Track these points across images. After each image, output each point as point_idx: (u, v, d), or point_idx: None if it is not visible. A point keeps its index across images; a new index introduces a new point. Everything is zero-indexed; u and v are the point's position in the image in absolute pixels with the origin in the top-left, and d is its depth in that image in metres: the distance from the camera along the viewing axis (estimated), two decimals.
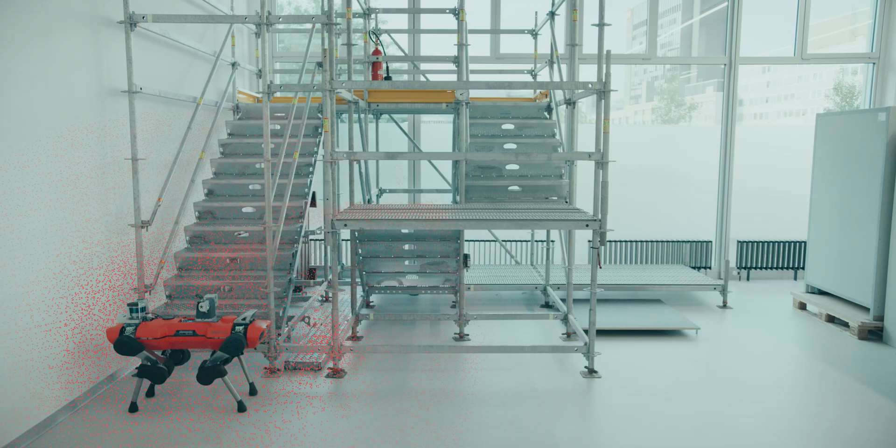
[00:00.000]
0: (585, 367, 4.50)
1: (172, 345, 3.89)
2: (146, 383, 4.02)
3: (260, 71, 6.65)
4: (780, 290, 7.04)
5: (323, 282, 6.61)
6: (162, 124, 4.92)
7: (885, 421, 3.75)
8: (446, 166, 6.92)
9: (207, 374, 3.81)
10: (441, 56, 6.39)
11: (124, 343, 3.76)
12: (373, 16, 6.50)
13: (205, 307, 3.90)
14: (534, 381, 4.33)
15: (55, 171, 3.72)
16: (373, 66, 6.08)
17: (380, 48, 6.21)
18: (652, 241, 7.52)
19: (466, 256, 5.19)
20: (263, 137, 4.39)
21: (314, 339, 5.06)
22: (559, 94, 5.84)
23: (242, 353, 3.91)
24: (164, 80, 4.96)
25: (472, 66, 6.60)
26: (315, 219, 6.87)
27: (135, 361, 4.49)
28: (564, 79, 6.27)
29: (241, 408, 3.85)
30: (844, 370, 4.57)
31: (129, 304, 3.94)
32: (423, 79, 7.06)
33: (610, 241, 7.46)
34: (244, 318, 3.92)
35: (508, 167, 5.59)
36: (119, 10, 4.32)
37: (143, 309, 3.94)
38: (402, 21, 7.33)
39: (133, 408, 3.83)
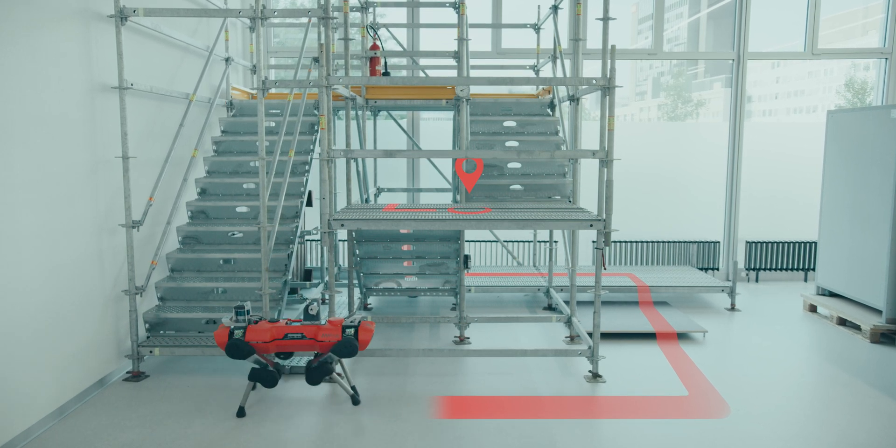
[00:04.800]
0: (589, 371, 4.43)
1: (280, 348, 3.82)
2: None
3: (254, 66, 6.54)
4: (790, 291, 6.94)
5: (319, 283, 6.51)
6: (153, 121, 4.82)
7: None
8: (446, 165, 6.84)
9: (315, 375, 3.81)
10: (441, 51, 6.30)
11: (235, 346, 3.70)
12: (370, 10, 6.41)
13: (314, 310, 3.87)
14: (536, 386, 4.25)
15: (43, 170, 3.63)
16: (371, 62, 5.98)
17: (378, 43, 6.11)
18: (658, 242, 7.41)
19: (467, 257, 5.10)
20: (258, 135, 4.32)
21: None
22: (562, 91, 5.76)
23: (354, 356, 3.85)
24: (155, 75, 4.86)
25: (472, 62, 6.51)
26: (311, 219, 6.79)
27: (126, 365, 4.41)
28: (568, 74, 6.16)
29: (356, 401, 3.86)
30: (856, 374, 4.48)
31: (235, 307, 3.87)
32: (422, 74, 6.98)
33: (614, 242, 7.36)
34: (352, 321, 3.88)
35: (510, 165, 5.49)
36: (109, 4, 4.22)
37: (249, 311, 3.87)
38: (400, 15, 7.23)
39: (241, 412, 3.75)
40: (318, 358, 3.85)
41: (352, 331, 3.81)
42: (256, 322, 3.83)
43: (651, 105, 8.50)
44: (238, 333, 3.73)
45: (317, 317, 3.89)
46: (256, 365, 3.82)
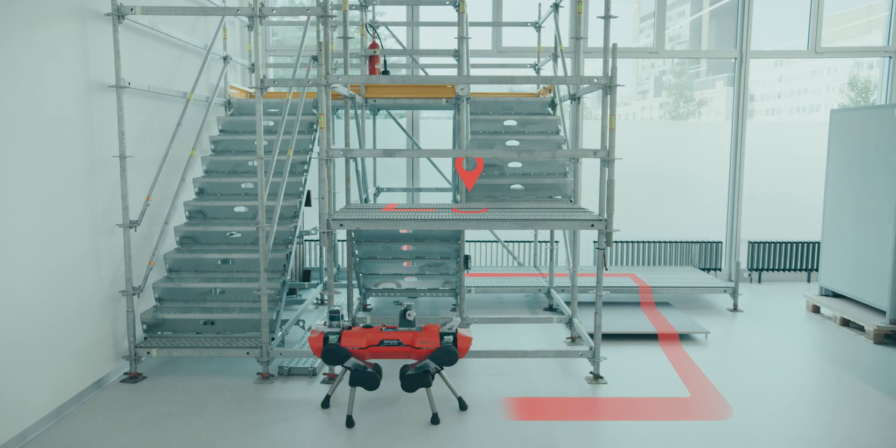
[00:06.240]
0: (591, 372, 4.40)
1: (376, 354, 3.77)
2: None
3: (253, 65, 6.51)
4: (793, 292, 6.90)
5: (318, 284, 6.48)
6: (151, 120, 4.79)
7: None
8: (446, 164, 6.80)
9: (411, 382, 3.71)
10: (441, 50, 6.27)
11: (332, 352, 3.66)
12: (370, 8, 6.36)
13: (411, 315, 3.82)
14: (537, 387, 4.22)
15: (40, 169, 3.60)
16: (370, 60, 5.93)
17: (377, 41, 6.06)
18: (660, 242, 7.36)
19: (467, 258, 5.05)
20: (256, 134, 4.28)
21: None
22: (563, 90, 5.72)
23: (453, 364, 3.76)
24: (153, 74, 4.82)
25: (473, 60, 6.46)
26: (310, 218, 6.75)
27: (124, 366, 4.38)
28: (569, 73, 6.11)
29: (435, 420, 3.69)
30: (859, 376, 4.44)
31: (330, 312, 3.85)
32: (422, 73, 6.94)
33: (616, 242, 7.31)
34: (450, 328, 3.81)
35: (511, 165, 5.45)
36: (106, 2, 4.20)
37: (343, 316, 3.82)
38: (400, 13, 7.20)
39: (350, 422, 3.64)
40: (414, 364, 3.75)
41: (450, 338, 3.72)
42: (350, 327, 3.78)
43: (653, 104, 8.46)
44: (333, 339, 3.68)
45: (413, 323, 3.81)
46: (354, 368, 3.70)
